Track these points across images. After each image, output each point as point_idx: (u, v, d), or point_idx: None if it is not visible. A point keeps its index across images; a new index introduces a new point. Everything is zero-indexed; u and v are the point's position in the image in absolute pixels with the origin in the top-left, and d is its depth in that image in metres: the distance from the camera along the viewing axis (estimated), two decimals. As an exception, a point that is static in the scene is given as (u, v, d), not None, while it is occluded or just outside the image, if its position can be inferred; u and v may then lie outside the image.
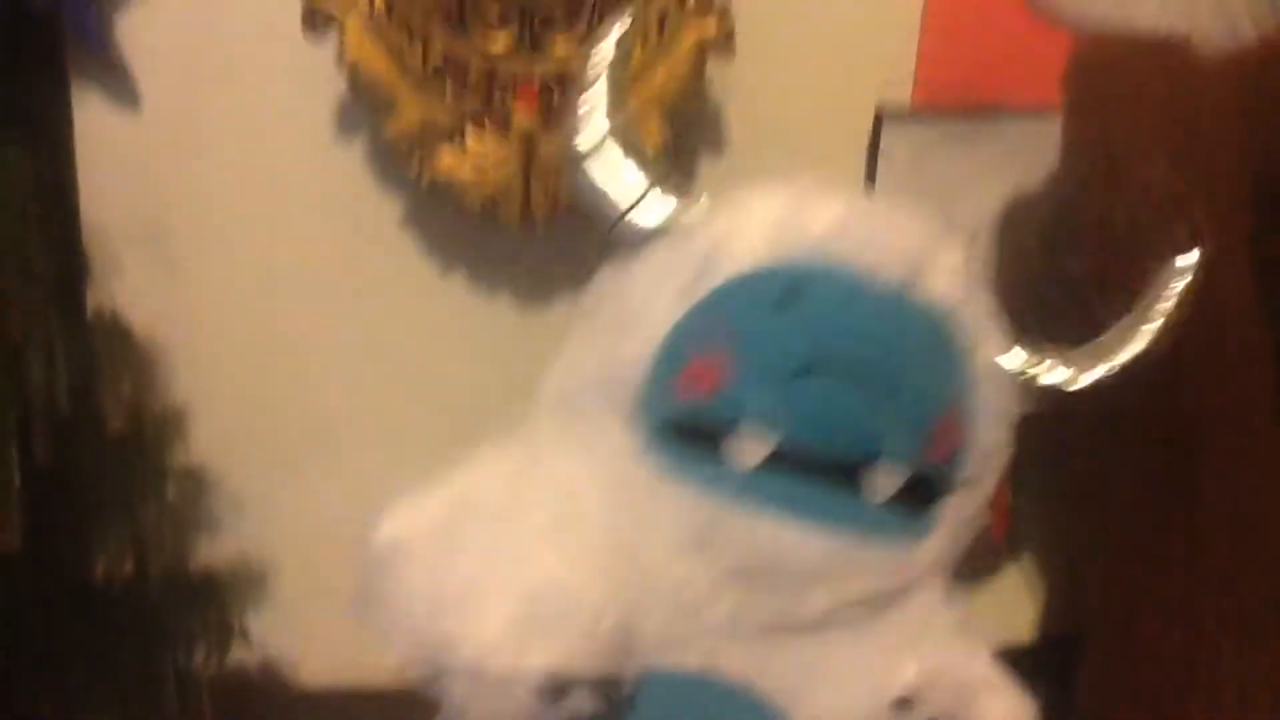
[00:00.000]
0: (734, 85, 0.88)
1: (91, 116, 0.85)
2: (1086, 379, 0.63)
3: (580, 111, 0.61)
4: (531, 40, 0.81)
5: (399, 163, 0.84)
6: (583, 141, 0.61)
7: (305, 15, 0.79)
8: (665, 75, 0.82)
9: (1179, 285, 0.63)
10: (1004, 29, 0.92)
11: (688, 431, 0.57)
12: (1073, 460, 0.94)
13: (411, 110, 0.81)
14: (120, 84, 0.85)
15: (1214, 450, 0.73)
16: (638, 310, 0.60)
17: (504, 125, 0.82)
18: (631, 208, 0.60)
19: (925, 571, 0.61)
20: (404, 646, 0.57)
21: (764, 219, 0.60)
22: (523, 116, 0.81)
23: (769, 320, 0.57)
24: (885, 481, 0.57)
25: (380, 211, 0.88)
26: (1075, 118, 0.75)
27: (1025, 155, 0.90)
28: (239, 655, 0.85)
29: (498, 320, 0.91)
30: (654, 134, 0.83)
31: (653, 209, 0.60)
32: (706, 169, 0.91)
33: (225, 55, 0.85)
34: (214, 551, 0.88)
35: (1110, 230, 0.71)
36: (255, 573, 0.88)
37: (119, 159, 0.86)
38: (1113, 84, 0.74)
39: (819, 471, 0.56)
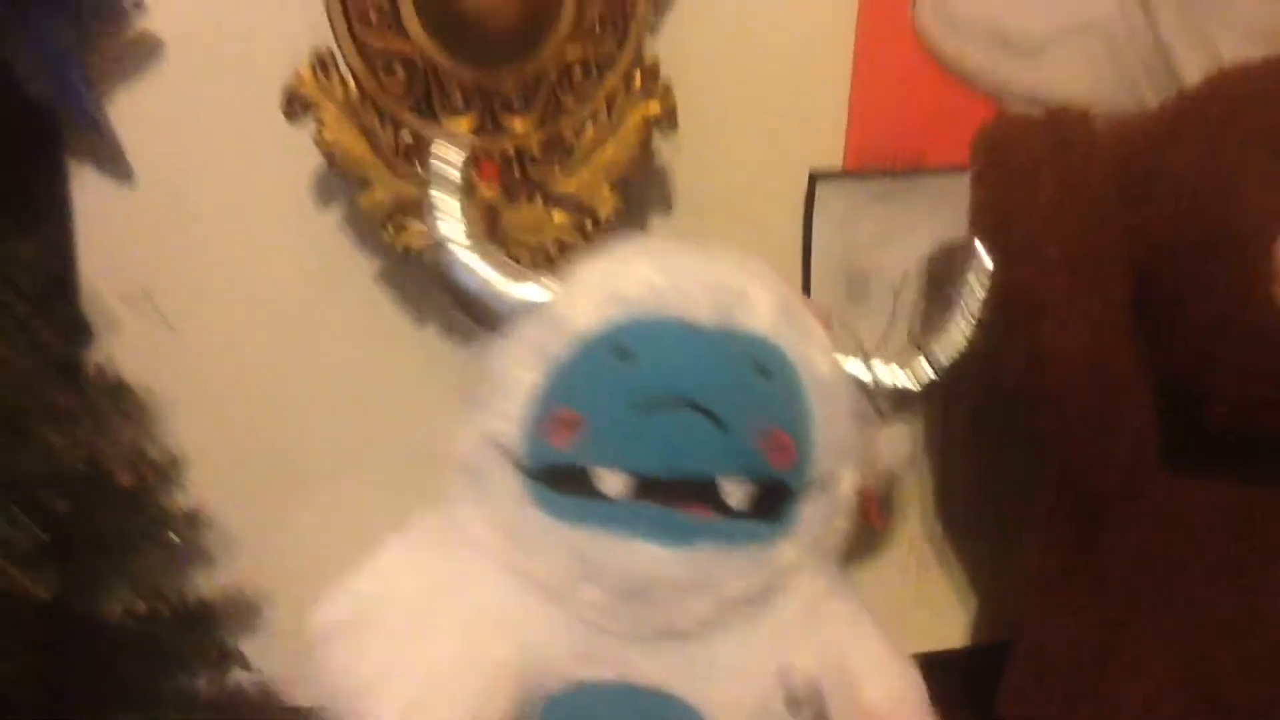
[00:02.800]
0: (679, 155, 0.96)
1: (88, 191, 0.91)
2: (921, 379, 0.76)
3: (440, 222, 0.75)
4: (492, 121, 0.87)
5: (373, 232, 0.90)
6: (453, 243, 0.74)
7: (286, 101, 0.85)
8: (615, 149, 0.89)
9: (981, 290, 0.76)
10: (926, 94, 1.00)
11: (560, 476, 0.67)
12: (996, 491, 1.04)
13: (384, 186, 0.88)
14: (114, 161, 0.91)
15: (1108, 492, 0.82)
16: (506, 380, 0.71)
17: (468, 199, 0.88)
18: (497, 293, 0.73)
19: (794, 566, 0.69)
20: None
21: (592, 291, 0.71)
22: (485, 189, 0.88)
23: (607, 377, 0.67)
24: (734, 493, 0.66)
25: (355, 275, 0.95)
26: (978, 187, 0.83)
27: (946, 209, 0.98)
28: (237, 677, 0.92)
29: (465, 371, 0.98)
30: (606, 202, 0.90)
31: (513, 291, 0.72)
32: (657, 232, 0.98)
33: (212, 134, 0.91)
34: (211, 584, 0.95)
35: (1004, 290, 0.80)
36: (250, 602, 0.95)
37: (114, 229, 0.92)
38: (1012, 157, 0.81)
39: (678, 494, 0.66)
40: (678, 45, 0.91)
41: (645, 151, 0.91)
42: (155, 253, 0.93)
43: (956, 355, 0.76)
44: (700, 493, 0.66)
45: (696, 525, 0.66)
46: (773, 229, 1.00)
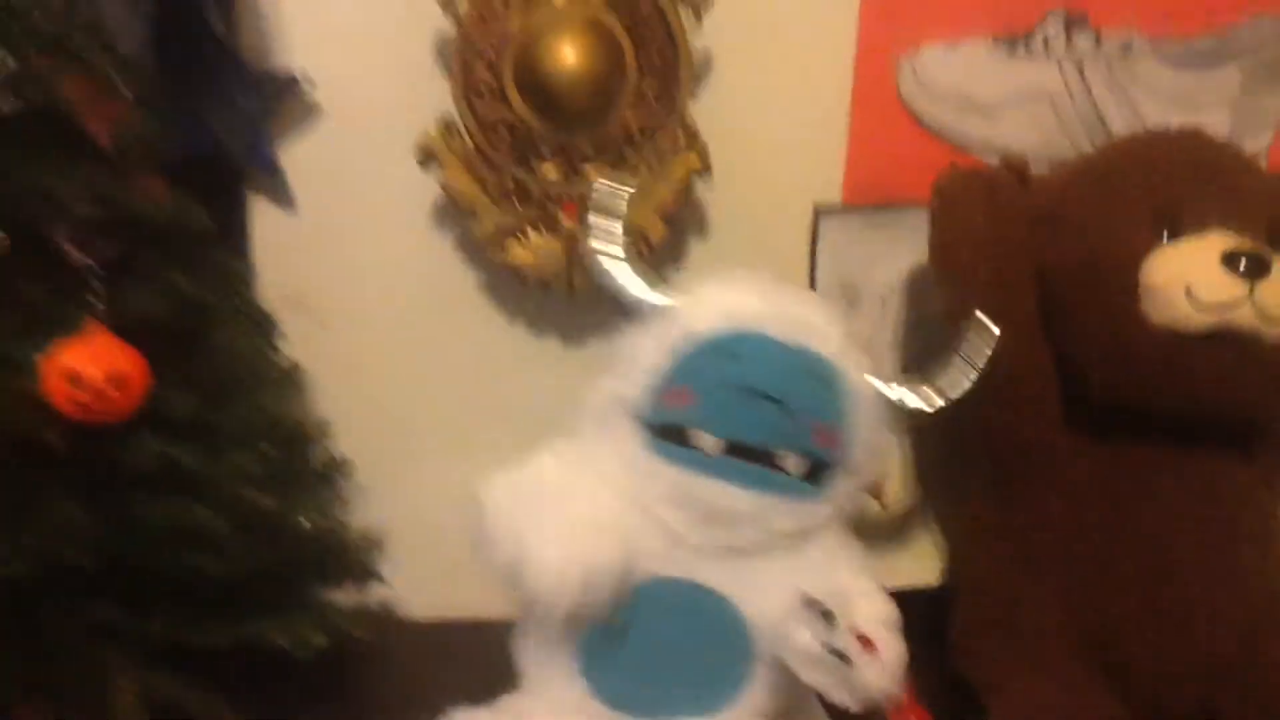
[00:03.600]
0: (713, 194, 1.19)
1: (263, 219, 1.15)
2: (932, 406, 0.95)
3: (601, 236, 0.94)
4: (572, 169, 1.12)
5: (481, 252, 1.15)
6: (603, 255, 0.94)
7: (418, 153, 1.11)
8: (664, 191, 1.14)
9: (987, 349, 0.95)
10: (907, 145, 1.22)
11: (670, 431, 0.90)
12: (959, 465, 1.27)
13: (491, 218, 1.13)
14: (284, 197, 1.15)
15: (1025, 458, 1.07)
16: (639, 359, 0.93)
17: (554, 228, 1.14)
18: (638, 297, 0.94)
19: (823, 522, 0.93)
20: (500, 570, 0.88)
21: (714, 305, 0.93)
22: (567, 221, 1.14)
23: (716, 369, 0.90)
24: (791, 462, 0.89)
25: (467, 284, 1.19)
26: (932, 226, 1.08)
27: (921, 237, 1.19)
28: (374, 592, 1.13)
29: (548, 359, 1.23)
30: (657, 230, 1.15)
31: (650, 297, 0.94)
32: (695, 255, 1.22)
33: (360, 178, 1.15)
34: (354, 517, 1.15)
35: (949, 302, 1.05)
36: (383, 533, 1.16)
37: (282, 248, 1.16)
38: (956, 204, 1.06)
39: (753, 457, 0.89)
40: (712, 111, 1.15)
41: (687, 192, 1.15)
42: (313, 266, 1.17)
43: (960, 393, 0.96)
44: (768, 458, 0.89)
45: (764, 478, 0.89)
46: (785, 251, 1.23)
